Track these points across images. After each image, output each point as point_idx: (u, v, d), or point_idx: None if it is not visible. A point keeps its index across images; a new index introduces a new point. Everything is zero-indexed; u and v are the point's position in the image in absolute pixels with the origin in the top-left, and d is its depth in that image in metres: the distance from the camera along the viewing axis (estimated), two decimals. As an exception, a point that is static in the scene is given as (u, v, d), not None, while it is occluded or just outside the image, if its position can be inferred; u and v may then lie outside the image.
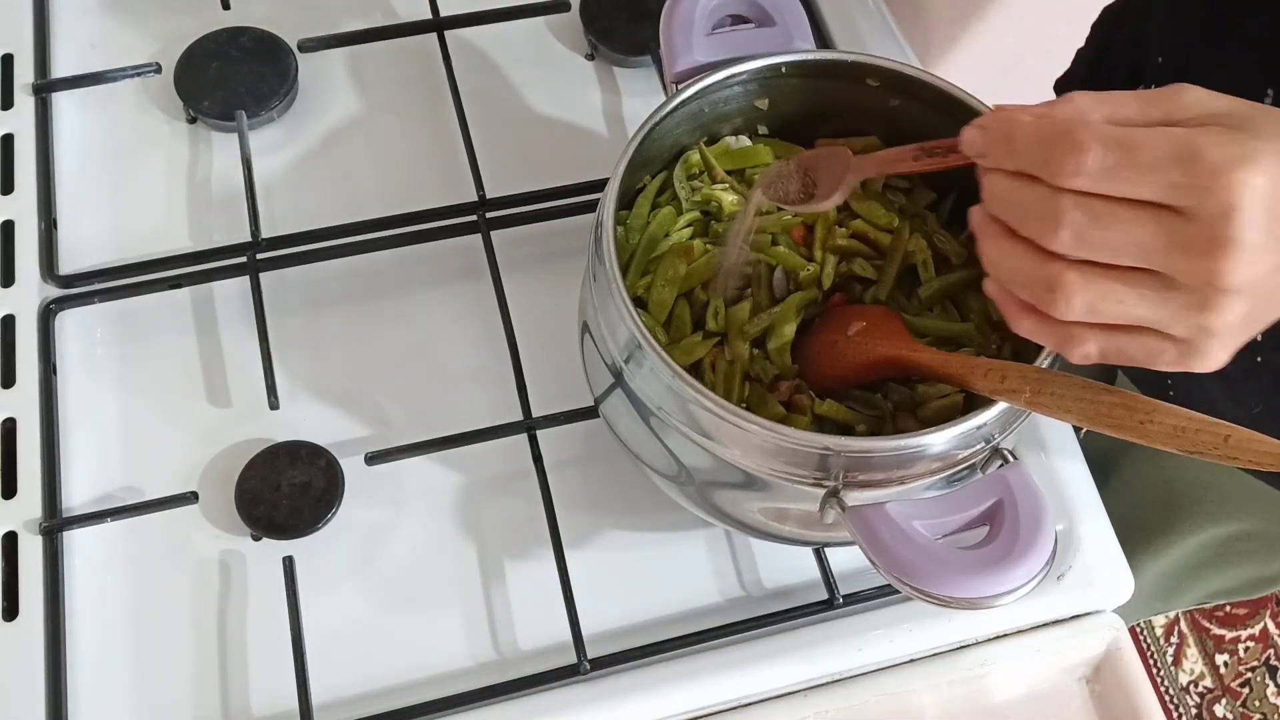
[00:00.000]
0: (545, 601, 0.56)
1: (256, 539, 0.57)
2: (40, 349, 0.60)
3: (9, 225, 0.64)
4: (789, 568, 0.59)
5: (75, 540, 0.57)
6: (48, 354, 0.60)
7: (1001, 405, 0.45)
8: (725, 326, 0.53)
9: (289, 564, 0.56)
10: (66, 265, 0.63)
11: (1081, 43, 0.77)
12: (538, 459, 0.59)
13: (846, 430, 0.51)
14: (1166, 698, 1.55)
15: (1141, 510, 0.82)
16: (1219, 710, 1.54)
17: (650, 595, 0.58)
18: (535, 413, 0.60)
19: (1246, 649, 1.58)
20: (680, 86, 0.52)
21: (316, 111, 0.69)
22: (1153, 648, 1.57)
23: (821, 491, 0.46)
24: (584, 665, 0.55)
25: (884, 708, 0.57)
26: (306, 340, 0.63)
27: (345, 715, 0.54)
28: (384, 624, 0.57)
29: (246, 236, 0.63)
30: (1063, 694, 0.59)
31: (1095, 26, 0.76)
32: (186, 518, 0.58)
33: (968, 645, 0.59)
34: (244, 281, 0.62)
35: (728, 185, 0.56)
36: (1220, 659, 1.57)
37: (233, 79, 0.67)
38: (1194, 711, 1.54)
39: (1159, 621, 1.59)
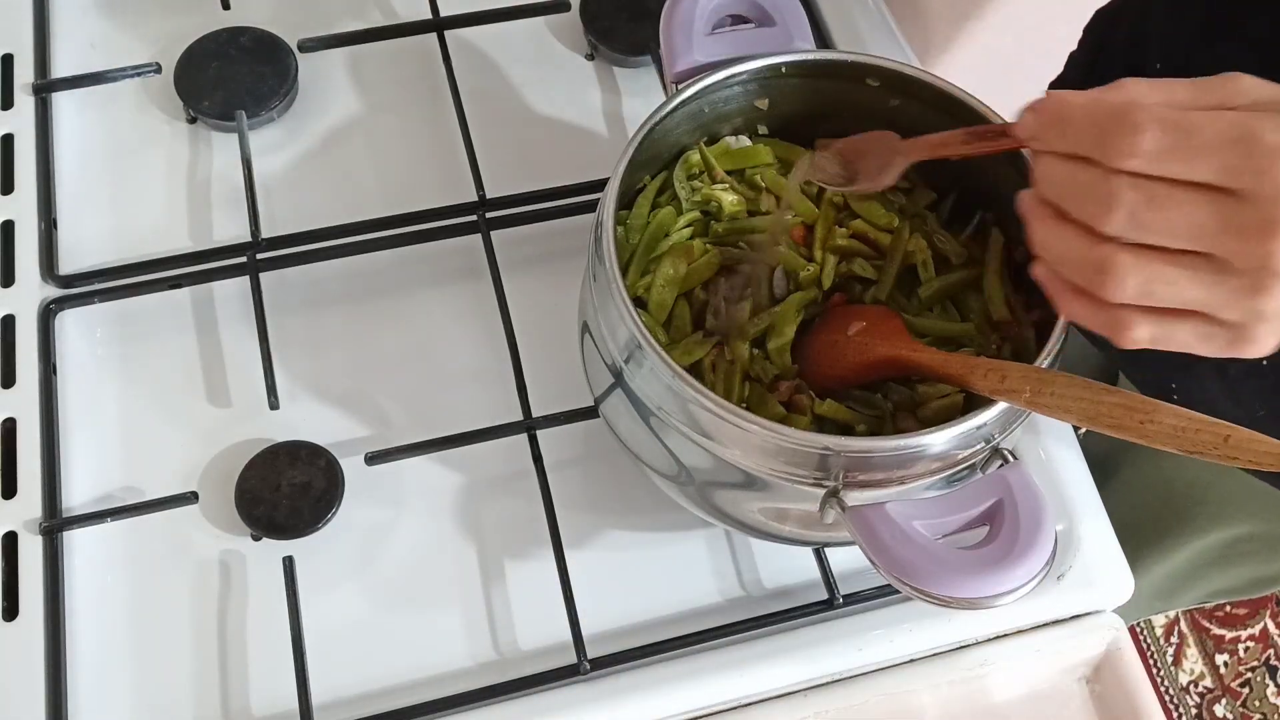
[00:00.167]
0: (545, 601, 0.56)
1: (256, 539, 0.57)
2: (40, 349, 0.60)
3: (9, 225, 0.64)
4: (789, 568, 0.59)
5: (75, 540, 0.57)
6: (48, 354, 0.60)
7: (1001, 405, 0.45)
8: (725, 326, 0.53)
9: (289, 564, 0.56)
10: (66, 265, 0.63)
11: (1075, 47, 0.77)
12: (538, 459, 0.59)
13: (846, 430, 0.51)
14: (1166, 698, 1.55)
15: (1143, 511, 0.82)
16: (1219, 710, 1.54)
17: (650, 595, 0.58)
18: (535, 413, 0.60)
19: (1246, 649, 1.58)
20: (680, 86, 0.52)
21: (316, 111, 0.69)
22: (1153, 648, 1.57)
23: (821, 491, 0.46)
24: (584, 665, 0.55)
25: (884, 708, 0.57)
26: (306, 340, 0.63)
27: (345, 715, 0.54)
28: (384, 624, 0.57)
29: (246, 236, 0.63)
30: (1063, 694, 0.59)
31: (1088, 29, 0.76)
32: (186, 518, 0.58)
33: (968, 645, 0.59)
34: (244, 281, 0.62)
35: (728, 185, 0.56)
36: (1220, 659, 1.57)
37: (233, 79, 0.67)
38: (1194, 711, 1.54)
39: (1159, 621, 1.59)
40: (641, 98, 0.71)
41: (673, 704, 0.55)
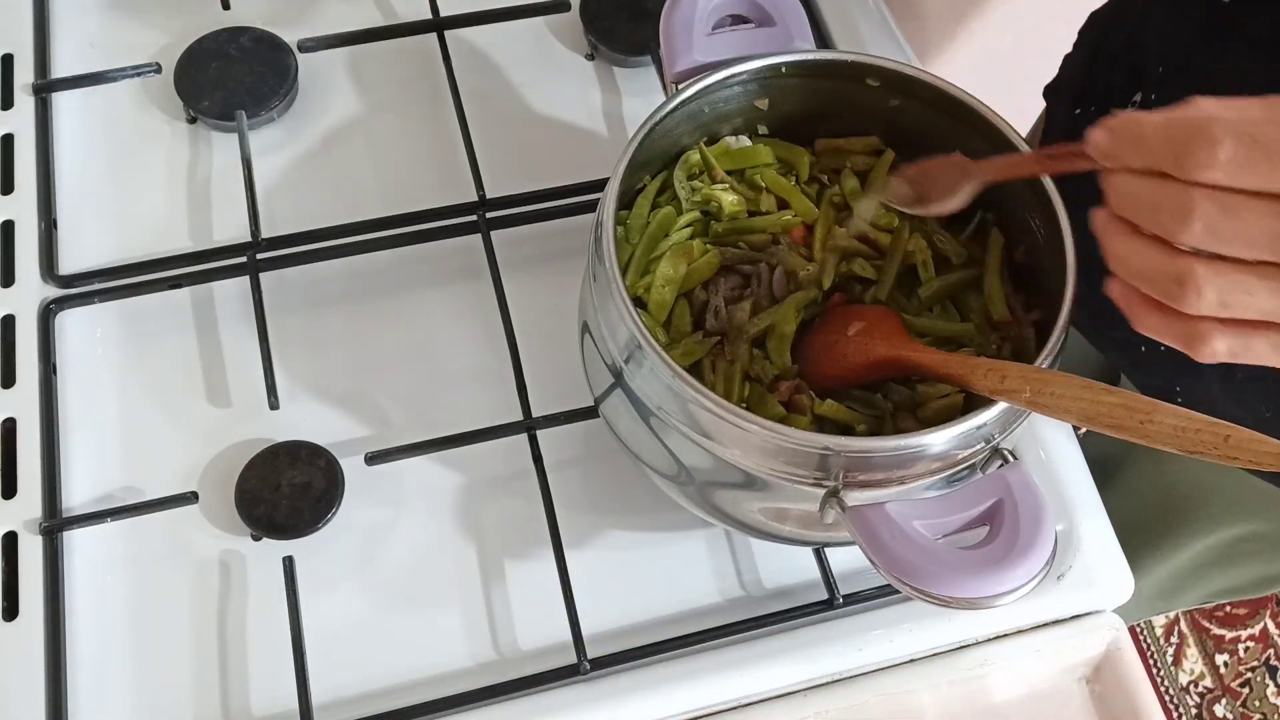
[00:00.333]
0: (545, 601, 0.56)
1: (256, 539, 0.57)
2: (40, 349, 0.60)
3: (9, 225, 0.64)
4: (789, 568, 0.59)
5: (75, 540, 0.57)
6: (48, 354, 0.60)
7: (1001, 405, 0.45)
8: (725, 326, 0.53)
9: (289, 564, 0.56)
10: (66, 265, 0.63)
11: (1071, 52, 0.77)
12: (538, 459, 0.59)
13: (846, 430, 0.51)
14: (1166, 698, 1.55)
15: (1145, 512, 0.82)
16: (1219, 710, 1.54)
17: (650, 595, 0.58)
18: (535, 413, 0.60)
19: (1246, 649, 1.58)
20: (680, 86, 0.52)
21: (316, 111, 0.69)
22: (1153, 648, 1.57)
23: (821, 491, 0.46)
24: (584, 665, 0.55)
25: (884, 708, 0.57)
26: (306, 340, 0.63)
27: (345, 715, 0.54)
28: (384, 624, 0.57)
29: (246, 236, 0.63)
30: (1063, 694, 0.59)
31: (1084, 31, 0.76)
32: (186, 518, 0.58)
33: (968, 645, 0.59)
34: (244, 281, 0.62)
35: (728, 185, 0.56)
36: (1220, 659, 1.57)
37: (233, 79, 0.67)
38: (1194, 711, 1.54)
39: (1159, 621, 1.59)
40: (641, 98, 0.71)
41: (673, 704, 0.55)
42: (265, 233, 0.63)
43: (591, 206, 0.64)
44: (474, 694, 0.54)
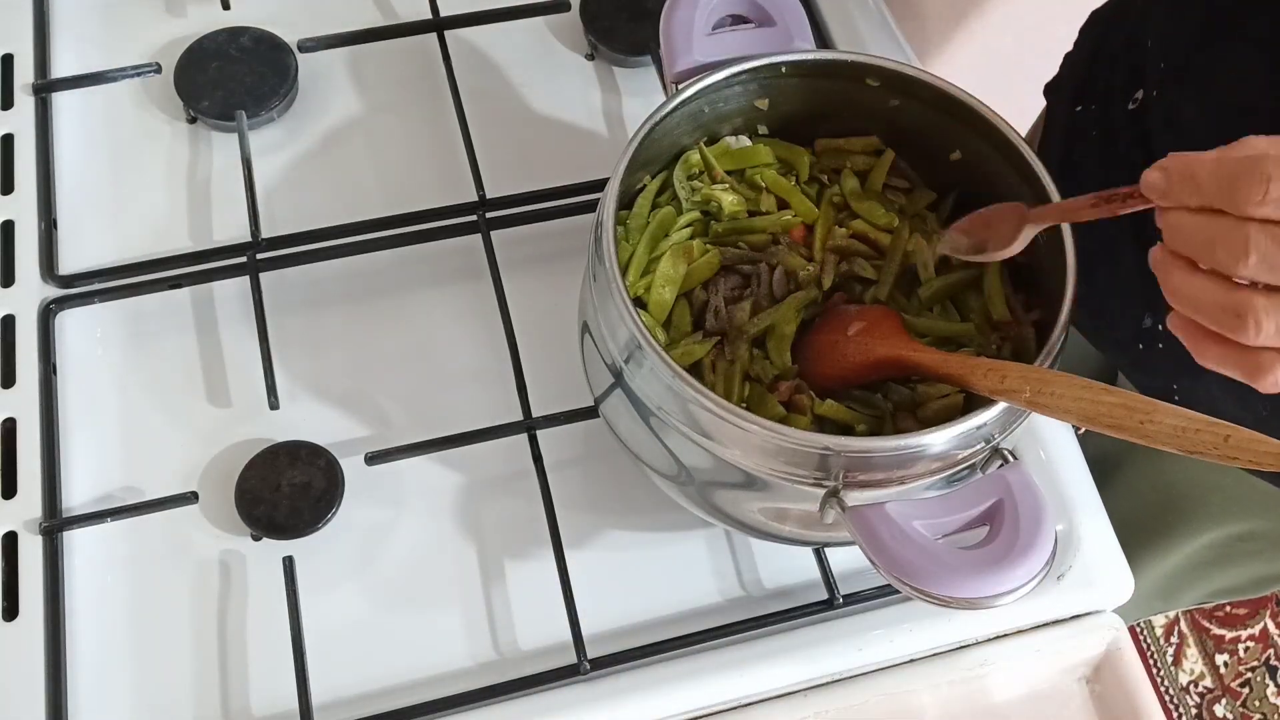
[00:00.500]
0: (545, 601, 0.56)
1: (256, 539, 0.57)
2: (40, 349, 0.60)
3: (9, 225, 0.64)
4: (789, 568, 0.59)
5: (75, 540, 0.57)
6: (48, 354, 0.60)
7: (1001, 405, 0.45)
8: (725, 326, 0.53)
9: (289, 564, 0.56)
10: (66, 265, 0.63)
11: (1071, 51, 0.77)
12: (538, 459, 0.59)
13: (846, 430, 0.51)
14: (1166, 698, 1.55)
15: (1144, 511, 0.82)
16: (1219, 710, 1.54)
17: (650, 595, 0.58)
18: (535, 413, 0.60)
19: (1246, 649, 1.58)
20: (680, 86, 0.52)
21: (316, 111, 0.69)
22: (1153, 648, 1.57)
23: (821, 491, 0.46)
24: (584, 665, 0.55)
25: (884, 708, 0.57)
26: (306, 340, 0.63)
27: (345, 715, 0.54)
28: (384, 624, 0.57)
29: (246, 236, 0.63)
30: (1063, 694, 0.59)
31: (1085, 29, 0.76)
32: (186, 518, 0.58)
33: (968, 645, 0.59)
34: (244, 281, 0.62)
35: (728, 185, 0.56)
36: (1220, 659, 1.57)
37: (233, 79, 0.67)
38: (1194, 711, 1.54)
39: (1159, 621, 1.59)
40: (641, 98, 0.71)
41: (673, 704, 0.55)
42: (265, 233, 0.63)
43: (591, 206, 0.64)
44: (474, 694, 0.54)
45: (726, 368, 0.53)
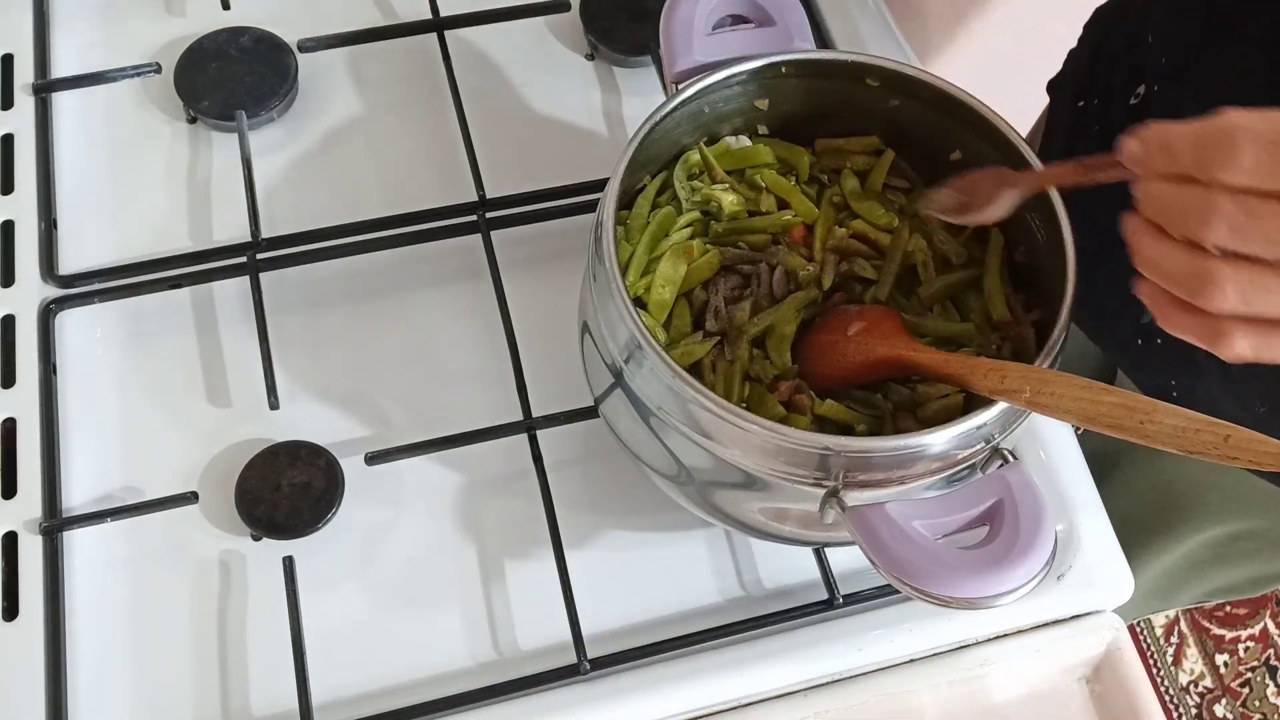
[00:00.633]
0: (545, 601, 0.56)
1: (256, 539, 0.57)
2: (40, 349, 0.60)
3: (9, 225, 0.64)
4: (789, 568, 0.59)
5: (75, 540, 0.57)
6: (48, 354, 0.60)
7: (1001, 405, 0.45)
8: (725, 326, 0.53)
9: (289, 564, 0.56)
10: (66, 265, 0.63)
11: (1075, 47, 0.77)
12: (538, 459, 0.59)
13: (846, 430, 0.51)
14: (1166, 698, 1.55)
15: (1143, 508, 0.82)
16: (1219, 710, 1.54)
17: (650, 595, 0.58)
18: (535, 413, 0.60)
19: (1246, 649, 1.58)
20: (680, 86, 0.52)
21: (316, 111, 0.69)
22: (1153, 648, 1.57)
23: (821, 491, 0.46)
24: (584, 665, 0.55)
25: (884, 708, 0.57)
26: (306, 340, 0.63)
27: (345, 715, 0.54)
28: (384, 624, 0.57)
29: (246, 236, 0.63)
30: (1063, 694, 0.59)
31: (1088, 27, 0.76)
32: (186, 518, 0.58)
33: (968, 645, 0.59)
34: (244, 281, 0.62)
35: (728, 185, 0.56)
36: (1220, 659, 1.57)
37: (233, 79, 0.67)
38: (1194, 711, 1.54)
39: (1159, 621, 1.59)
40: (641, 98, 0.71)
41: (673, 704, 0.55)
42: (265, 233, 0.63)
43: (591, 206, 0.64)
44: (474, 694, 0.54)
45: (726, 368, 0.53)
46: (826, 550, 0.58)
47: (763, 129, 0.58)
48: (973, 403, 0.49)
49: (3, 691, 0.53)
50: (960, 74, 0.56)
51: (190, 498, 0.57)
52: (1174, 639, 1.58)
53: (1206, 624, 1.59)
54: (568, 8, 0.72)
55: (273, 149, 0.68)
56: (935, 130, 0.54)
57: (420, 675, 0.56)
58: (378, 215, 0.64)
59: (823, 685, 0.57)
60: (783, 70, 0.54)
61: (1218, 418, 0.40)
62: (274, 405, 0.59)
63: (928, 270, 0.55)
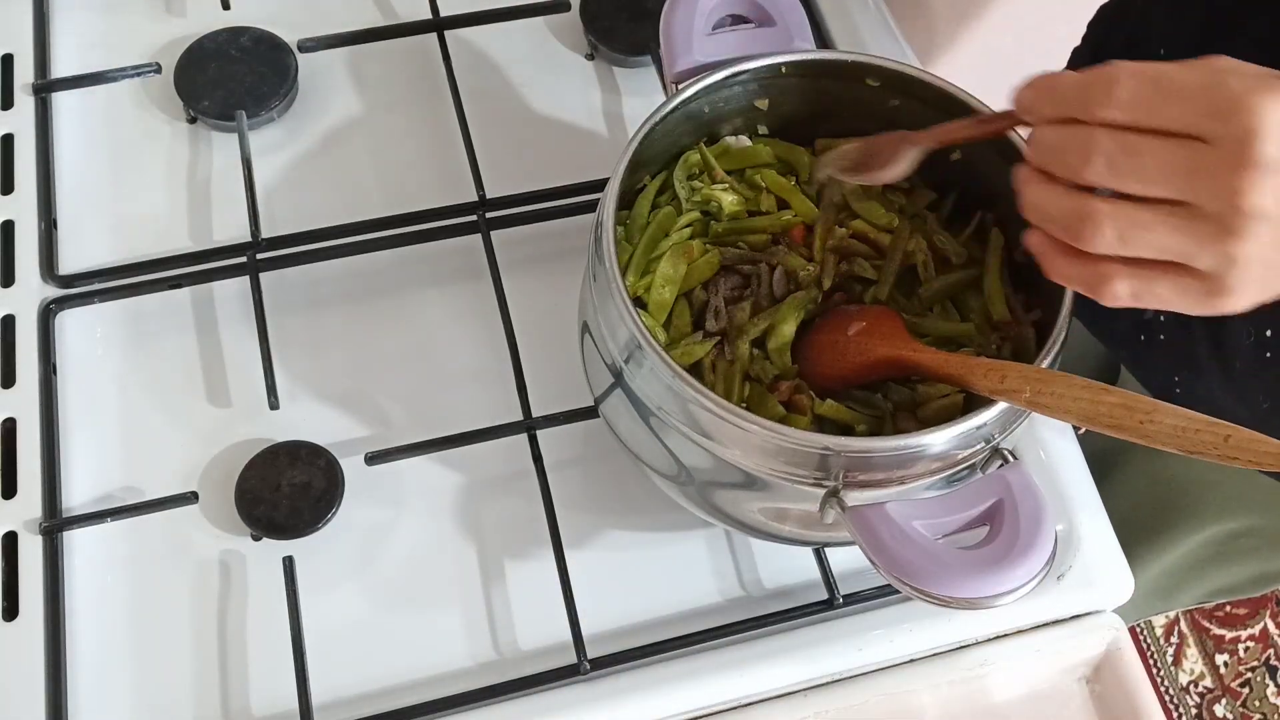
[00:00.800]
0: (545, 601, 0.56)
1: (256, 539, 0.57)
2: (40, 349, 0.60)
3: (9, 225, 0.64)
4: (789, 568, 0.59)
5: (75, 540, 0.57)
6: (48, 354, 0.60)
7: (1001, 405, 0.45)
8: (725, 326, 0.53)
9: (289, 564, 0.56)
10: (66, 265, 0.63)
11: (1079, 42, 0.77)
12: (538, 459, 0.59)
13: (846, 430, 0.51)
14: (1166, 698, 1.55)
15: (1143, 506, 0.82)
16: (1219, 710, 1.54)
17: (650, 595, 0.58)
18: (535, 413, 0.60)
19: (1246, 649, 1.58)
20: (680, 86, 0.52)
21: (316, 111, 0.69)
22: (1153, 648, 1.57)
23: (821, 491, 0.46)
24: (584, 665, 0.55)
25: (884, 708, 0.57)
26: (306, 340, 0.63)
27: (345, 715, 0.54)
28: (384, 624, 0.57)
29: (246, 236, 0.63)
30: (1063, 694, 0.59)
31: (1091, 25, 0.76)
32: (186, 518, 0.58)
33: (968, 645, 0.59)
34: (244, 281, 0.62)
35: (728, 185, 0.56)
36: (1220, 659, 1.57)
37: (233, 79, 0.67)
38: (1194, 711, 1.54)
39: (1159, 621, 1.59)
40: (641, 98, 0.71)
41: (673, 704, 0.55)
42: (265, 233, 0.63)
43: (591, 206, 0.64)
44: (474, 694, 0.54)
45: (726, 368, 0.53)
46: (826, 550, 0.58)
47: (763, 129, 0.58)
48: (973, 403, 0.49)
49: (3, 691, 0.53)
50: (960, 74, 0.55)
51: (190, 498, 0.57)
52: (1174, 639, 1.58)
53: (1206, 624, 1.59)
54: (568, 8, 0.72)
55: (273, 149, 0.68)
56: (936, 130, 0.54)
57: (420, 675, 0.56)
58: (378, 215, 0.64)
59: (823, 685, 0.57)
60: (783, 70, 0.54)
61: (1219, 414, 0.40)
62: (274, 405, 0.59)
63: (928, 270, 0.55)
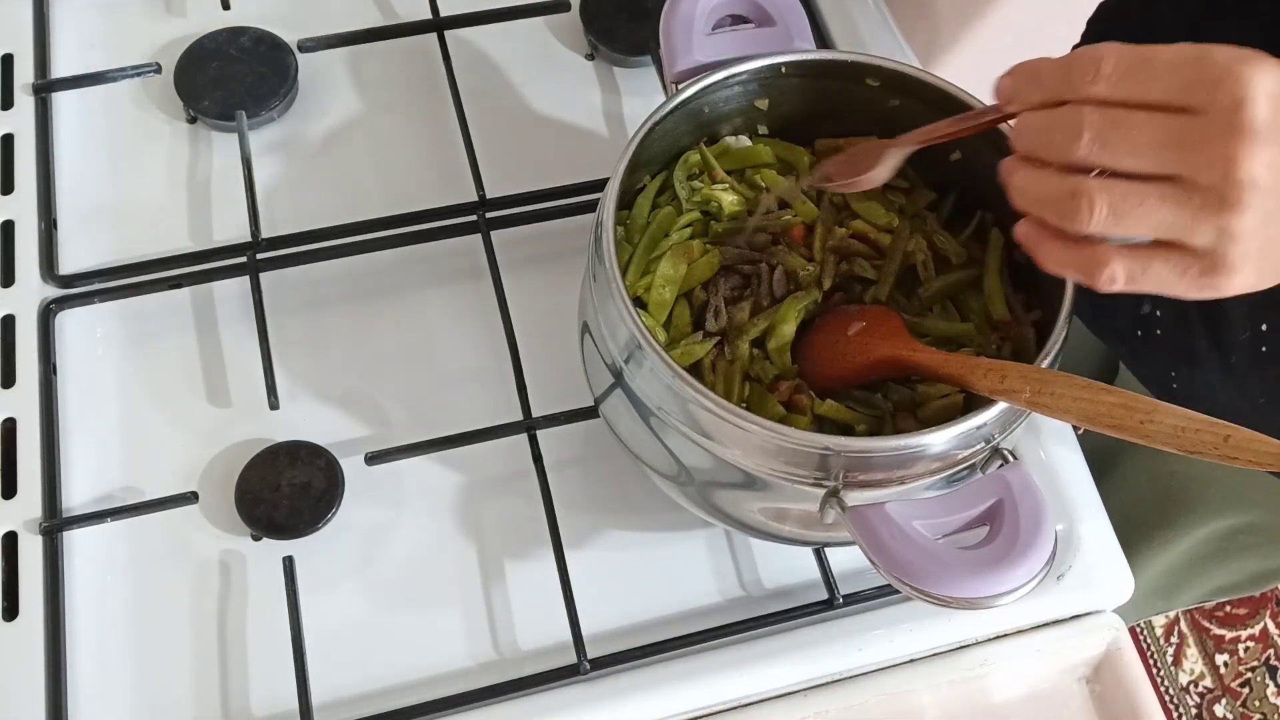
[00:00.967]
0: (545, 601, 0.56)
1: (256, 539, 0.57)
2: (40, 349, 0.60)
3: (9, 225, 0.64)
4: (789, 568, 0.59)
5: (75, 540, 0.57)
6: (48, 354, 0.60)
7: (1001, 405, 0.45)
8: (725, 326, 0.53)
9: (289, 564, 0.56)
10: (66, 265, 0.63)
11: (1079, 42, 0.77)
12: (538, 459, 0.59)
13: (846, 430, 0.51)
14: (1166, 698, 1.55)
15: (1144, 502, 0.82)
16: (1219, 710, 1.54)
17: (650, 595, 0.58)
18: (535, 413, 0.60)
19: (1246, 649, 1.58)
20: (680, 86, 0.52)
21: (316, 111, 0.69)
22: (1153, 648, 1.57)
23: (821, 491, 0.46)
24: (584, 665, 0.55)
25: (884, 708, 0.57)
26: (306, 340, 0.63)
27: (345, 715, 0.54)
28: (384, 624, 0.57)
29: (246, 236, 0.63)
30: (1063, 694, 0.59)
31: (1091, 23, 0.76)
32: (186, 518, 0.58)
33: (968, 645, 0.59)
34: (244, 281, 0.62)
35: (728, 185, 0.56)
36: (1220, 659, 1.57)
37: (233, 79, 0.67)
38: (1194, 711, 1.54)
39: (1159, 621, 1.59)
40: (641, 98, 0.71)
41: (673, 704, 0.55)
42: (265, 233, 0.63)
43: (591, 206, 0.64)
44: (474, 694, 0.54)
45: (726, 368, 0.53)
46: (826, 550, 0.58)
47: (763, 129, 0.58)
48: (973, 403, 0.49)
49: (3, 691, 0.53)
50: (961, 74, 0.55)
51: (190, 498, 0.57)
52: (1174, 639, 1.58)
53: (1206, 624, 1.59)
54: (568, 8, 0.72)
55: (273, 149, 0.68)
56: (935, 130, 0.54)
57: (420, 675, 0.56)
58: (378, 215, 0.64)
59: (823, 685, 0.57)
60: (783, 70, 0.54)
61: (1217, 410, 0.40)
62: (274, 405, 0.60)
63: (928, 270, 0.55)
